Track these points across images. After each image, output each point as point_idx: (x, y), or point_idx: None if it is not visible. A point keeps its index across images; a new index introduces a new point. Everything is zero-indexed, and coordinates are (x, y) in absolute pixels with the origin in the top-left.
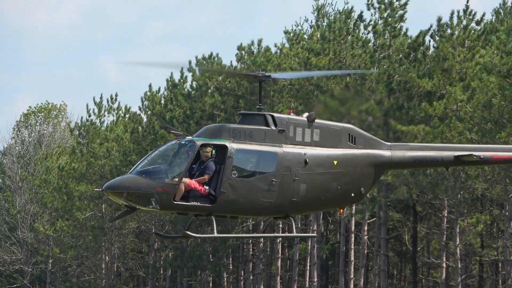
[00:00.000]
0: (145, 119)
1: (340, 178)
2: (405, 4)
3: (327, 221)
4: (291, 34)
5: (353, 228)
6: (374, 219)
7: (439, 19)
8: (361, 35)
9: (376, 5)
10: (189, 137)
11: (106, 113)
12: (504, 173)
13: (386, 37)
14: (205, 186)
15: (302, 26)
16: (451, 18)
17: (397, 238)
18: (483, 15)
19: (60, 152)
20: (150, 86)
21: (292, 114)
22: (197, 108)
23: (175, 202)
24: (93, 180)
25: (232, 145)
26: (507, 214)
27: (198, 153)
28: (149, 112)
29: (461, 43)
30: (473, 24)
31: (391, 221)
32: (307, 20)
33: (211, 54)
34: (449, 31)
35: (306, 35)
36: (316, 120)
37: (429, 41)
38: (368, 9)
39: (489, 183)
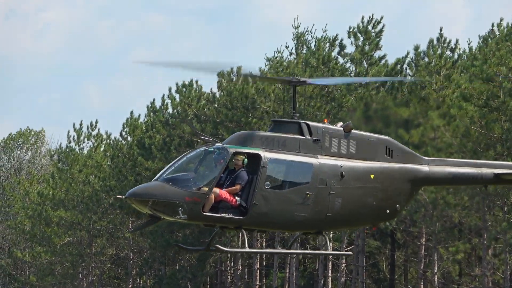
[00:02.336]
0: (126, 146)
1: (376, 193)
2: (381, 31)
3: (305, 248)
4: (273, 61)
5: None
6: (352, 246)
7: (416, 48)
8: (339, 62)
9: (357, 33)
10: (220, 144)
11: (85, 139)
12: (483, 202)
13: (363, 65)
14: (236, 197)
15: (282, 54)
16: (428, 46)
17: (375, 266)
18: (457, 41)
19: (39, 178)
20: (131, 113)
21: (327, 123)
22: (175, 135)
23: (204, 213)
24: (71, 206)
25: (265, 154)
26: (485, 242)
27: (229, 162)
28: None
29: (437, 71)
30: (448, 52)
31: (369, 248)
32: (288, 46)
33: (191, 81)
34: (426, 59)
35: (286, 62)
36: (353, 131)
37: (406, 69)
38: (349, 37)
39: (467, 211)
